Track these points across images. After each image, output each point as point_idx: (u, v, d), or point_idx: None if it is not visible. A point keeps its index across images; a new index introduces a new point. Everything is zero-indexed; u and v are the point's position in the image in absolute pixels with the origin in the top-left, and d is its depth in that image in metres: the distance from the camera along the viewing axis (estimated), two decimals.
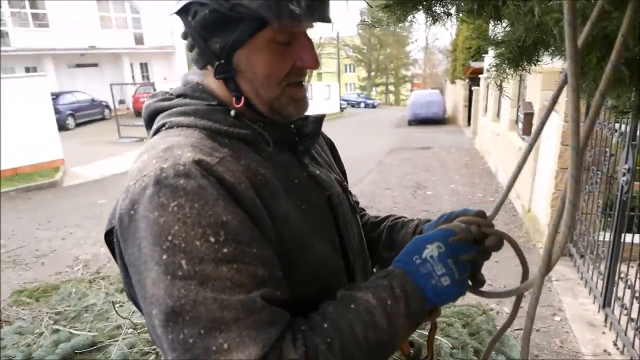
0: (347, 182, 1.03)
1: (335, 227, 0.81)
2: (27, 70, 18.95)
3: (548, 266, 0.61)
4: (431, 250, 0.69)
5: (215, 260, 0.58)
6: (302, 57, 0.73)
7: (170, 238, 0.57)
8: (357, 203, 1.14)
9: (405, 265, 0.69)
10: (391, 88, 49.49)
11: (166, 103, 0.76)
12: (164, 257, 0.57)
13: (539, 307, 3.59)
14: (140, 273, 0.59)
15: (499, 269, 4.13)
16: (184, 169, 0.60)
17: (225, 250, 0.59)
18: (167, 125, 0.73)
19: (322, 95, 24.99)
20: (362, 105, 36.95)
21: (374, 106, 36.83)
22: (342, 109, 27.99)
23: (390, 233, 1.01)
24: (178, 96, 0.77)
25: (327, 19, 0.72)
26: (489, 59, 0.96)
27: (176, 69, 20.05)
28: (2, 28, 17.96)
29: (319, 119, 0.85)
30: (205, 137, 0.70)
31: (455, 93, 19.61)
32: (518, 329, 3.31)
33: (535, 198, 5.32)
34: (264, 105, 0.74)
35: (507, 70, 0.94)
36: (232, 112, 0.73)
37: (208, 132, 0.71)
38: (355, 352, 0.62)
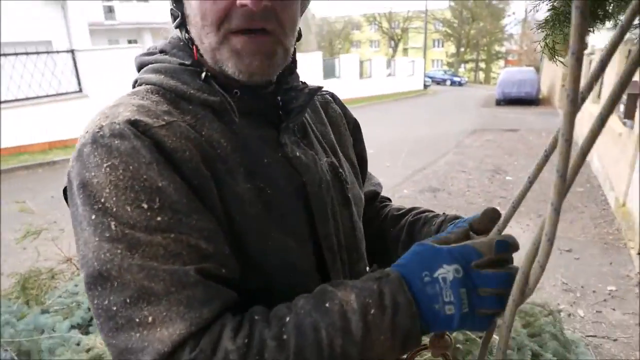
0: (359, 170, 0.91)
1: (307, 219, 0.70)
2: (129, 42, 20.49)
3: (523, 293, 0.47)
4: (446, 272, 0.55)
5: (148, 228, 0.52)
6: None
7: (102, 200, 0.53)
8: (376, 194, 1.01)
9: (408, 274, 0.57)
10: (482, 65, 46.47)
11: (147, 58, 0.71)
12: (93, 217, 0.53)
13: (620, 314, 3.21)
14: (77, 233, 0.56)
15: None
16: (119, 128, 0.55)
17: (159, 218, 0.53)
18: (138, 82, 0.68)
19: (405, 72, 24.19)
20: (448, 82, 35.27)
21: (460, 84, 35.01)
22: (425, 87, 26.91)
23: (410, 231, 0.88)
24: (161, 51, 0.71)
25: None
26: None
27: None
28: (110, 3, 19.46)
29: (312, 91, 0.73)
30: (165, 99, 0.63)
31: (553, 71, 17.88)
32: (592, 336, 2.98)
33: (633, 191, 4.70)
34: (209, 57, 0.64)
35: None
36: (203, 75, 0.65)
37: (173, 94, 0.64)
38: (311, 358, 0.52)
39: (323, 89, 0.90)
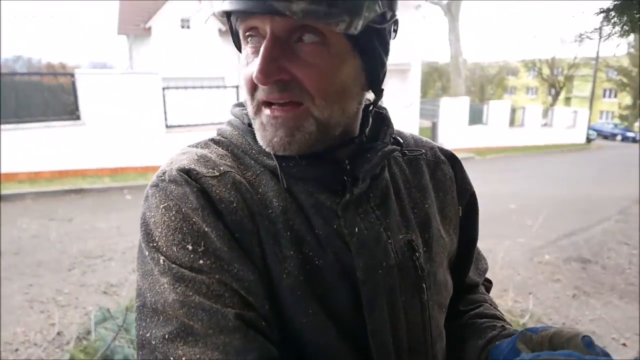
0: (458, 250, 0.78)
1: (356, 307, 0.61)
2: None
3: None
4: None
5: (192, 269, 0.54)
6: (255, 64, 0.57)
7: (156, 239, 0.56)
8: (475, 285, 0.86)
9: None
10: None
11: (233, 109, 0.74)
12: (147, 253, 0.57)
13: None
14: (138, 265, 0.59)
15: None
16: (174, 175, 0.59)
17: (201, 261, 0.54)
18: (218, 131, 0.72)
19: (564, 123, 21.95)
20: (619, 138, 30.91)
21: (635, 140, 30.32)
22: (589, 140, 23.96)
23: (462, 336, 0.76)
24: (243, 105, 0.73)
25: (298, 10, 0.51)
26: None
27: (410, 87, 20.62)
28: None
29: (386, 152, 0.65)
30: (232, 154, 0.66)
31: None
32: None
33: None
34: (254, 124, 0.65)
35: None
36: None
37: (240, 150, 0.67)
38: None
39: (432, 150, 0.80)
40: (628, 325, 3.80)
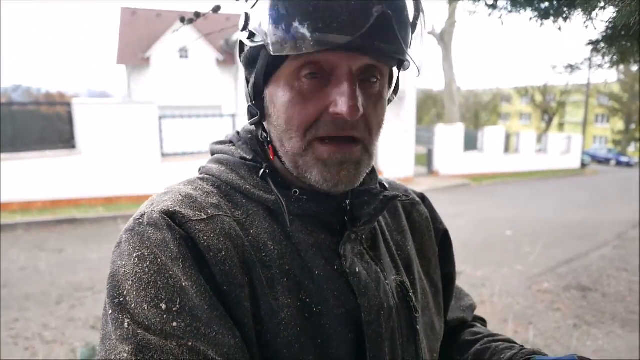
0: (441, 291, 0.78)
1: (357, 352, 0.59)
2: None
3: None
4: None
5: (162, 332, 0.48)
6: (335, 100, 0.55)
7: (124, 293, 0.50)
8: (463, 322, 0.85)
9: None
10: None
11: (217, 147, 0.71)
12: (110, 312, 0.50)
13: None
14: (102, 316, 0.53)
15: None
16: (155, 217, 0.54)
17: (175, 323, 0.49)
18: (201, 170, 0.68)
19: (558, 148, 22.13)
20: (613, 162, 31.17)
21: (629, 165, 30.61)
22: (583, 165, 24.12)
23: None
24: (230, 142, 0.71)
25: (370, 46, 0.53)
26: None
27: (406, 115, 20.84)
28: None
29: (387, 199, 0.64)
30: (220, 191, 0.62)
31: None
32: None
33: None
34: (290, 161, 0.60)
35: None
36: (261, 172, 0.63)
37: (229, 187, 0.62)
38: None
39: (406, 193, 0.81)
40: (632, 356, 3.70)
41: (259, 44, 0.57)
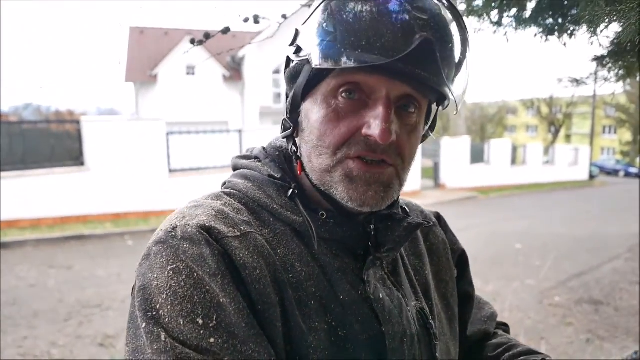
0: (457, 312, 0.77)
1: None
2: None
3: None
4: None
5: (198, 348, 0.47)
6: (369, 122, 0.55)
7: (157, 307, 0.49)
8: (486, 334, 0.84)
9: None
10: None
11: (241, 161, 0.70)
12: (144, 325, 0.49)
13: None
14: (129, 336, 0.52)
15: None
16: (191, 232, 0.53)
17: (212, 340, 0.48)
18: (226, 185, 0.68)
19: (566, 160, 22.02)
20: (622, 174, 30.93)
21: (638, 176, 30.31)
22: (592, 177, 23.94)
23: None
24: (255, 157, 0.70)
25: (420, 76, 0.53)
26: None
27: None
28: (279, 90, 22.26)
29: (412, 227, 0.64)
30: (247, 208, 0.61)
31: None
32: None
33: None
34: (317, 177, 0.60)
35: None
36: (289, 192, 0.62)
37: (256, 204, 0.62)
38: None
39: (423, 214, 0.81)
40: None
41: (303, 58, 0.58)
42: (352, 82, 0.56)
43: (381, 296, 0.61)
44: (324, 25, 0.54)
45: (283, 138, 0.66)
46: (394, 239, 0.63)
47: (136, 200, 9.98)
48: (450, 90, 0.55)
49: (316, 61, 0.54)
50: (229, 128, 14.38)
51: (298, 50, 0.59)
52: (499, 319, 0.91)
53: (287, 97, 0.64)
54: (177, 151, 10.56)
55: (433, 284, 0.74)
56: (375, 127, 0.54)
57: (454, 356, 0.73)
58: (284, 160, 0.66)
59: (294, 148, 0.64)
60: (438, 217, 0.86)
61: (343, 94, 0.56)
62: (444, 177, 16.50)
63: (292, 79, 0.62)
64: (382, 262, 0.64)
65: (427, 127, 0.66)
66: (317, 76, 0.58)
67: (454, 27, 0.56)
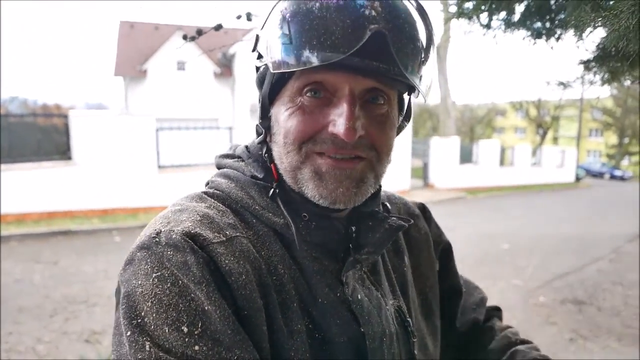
0: (436, 308, 0.78)
1: None
2: None
3: None
4: None
5: (183, 356, 0.47)
6: (334, 120, 0.55)
7: (142, 314, 0.49)
8: (475, 323, 0.84)
9: None
10: None
11: (224, 160, 0.70)
12: (129, 333, 0.49)
13: None
14: (114, 343, 0.52)
15: None
16: (176, 239, 0.53)
17: (197, 347, 0.48)
18: (209, 185, 0.67)
19: (553, 162, 22.29)
20: (607, 176, 31.42)
21: (623, 179, 30.84)
22: (578, 179, 24.27)
23: None
24: (239, 157, 0.69)
25: (378, 69, 0.52)
26: None
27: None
28: None
29: (394, 229, 0.64)
30: (231, 209, 0.61)
31: None
32: None
33: None
34: (289, 177, 0.60)
35: None
36: (270, 192, 0.62)
37: (239, 205, 0.62)
38: None
39: (406, 206, 0.81)
40: None
41: (264, 64, 0.58)
42: (316, 82, 0.56)
43: (360, 297, 0.61)
44: (278, 28, 0.54)
45: (257, 144, 0.66)
46: (374, 242, 0.63)
47: (124, 196, 9.89)
48: (411, 80, 0.54)
49: (274, 66, 0.55)
50: (219, 125, 14.33)
51: (260, 56, 0.59)
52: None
53: (258, 100, 0.65)
54: (167, 147, 10.48)
55: (411, 280, 0.74)
56: (340, 125, 0.54)
57: (432, 351, 0.74)
58: (266, 160, 0.65)
59: (266, 153, 0.64)
60: (422, 208, 0.85)
61: (308, 94, 0.56)
62: (433, 177, 16.61)
63: (259, 85, 0.62)
64: (362, 264, 0.64)
65: (401, 118, 0.66)
66: (280, 80, 0.58)
67: (410, 16, 0.54)
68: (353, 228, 0.63)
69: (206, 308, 0.49)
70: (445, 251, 0.84)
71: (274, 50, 0.54)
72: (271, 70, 0.55)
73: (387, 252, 0.73)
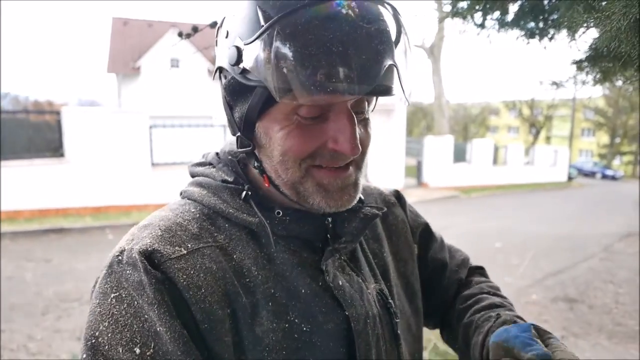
0: (418, 292, 0.80)
1: None
2: None
3: None
4: None
5: None
6: (335, 137, 0.56)
7: (97, 334, 0.51)
8: (459, 286, 0.86)
9: None
10: None
11: (196, 169, 0.70)
12: (84, 356, 0.51)
13: None
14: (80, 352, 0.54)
15: None
16: (134, 258, 0.54)
17: None
18: (182, 194, 0.68)
19: (546, 161, 22.45)
20: (599, 175, 31.68)
21: (614, 178, 31.12)
22: (570, 178, 24.46)
23: (465, 336, 0.76)
24: (210, 163, 0.70)
25: (378, 91, 0.53)
26: None
27: (396, 127, 21.08)
28: None
29: (369, 218, 0.66)
30: (203, 216, 0.62)
31: None
32: None
33: None
34: (287, 188, 0.60)
35: None
36: (243, 194, 0.63)
37: (212, 211, 0.63)
38: None
39: (380, 195, 0.83)
40: None
41: (254, 83, 0.54)
42: (316, 104, 0.55)
43: (341, 283, 0.63)
44: (278, 51, 0.49)
45: (242, 154, 0.64)
46: (350, 231, 0.65)
47: (117, 193, 9.84)
48: (407, 98, 0.56)
49: (279, 93, 0.50)
50: (213, 122, 14.27)
51: (245, 71, 0.54)
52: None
53: (230, 107, 0.61)
54: (160, 145, 10.44)
55: (392, 264, 0.76)
56: (344, 142, 0.55)
57: (415, 332, 0.76)
58: (236, 163, 0.66)
59: (256, 163, 0.62)
60: (397, 196, 0.87)
61: (307, 114, 0.56)
62: (427, 176, 16.68)
63: (236, 95, 0.59)
64: (340, 252, 0.66)
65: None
66: (271, 97, 0.53)
67: (407, 38, 0.57)
68: (329, 219, 0.65)
69: (158, 329, 0.50)
70: (424, 232, 0.87)
71: (279, 77, 0.49)
72: (277, 98, 0.51)
73: (367, 240, 0.75)
